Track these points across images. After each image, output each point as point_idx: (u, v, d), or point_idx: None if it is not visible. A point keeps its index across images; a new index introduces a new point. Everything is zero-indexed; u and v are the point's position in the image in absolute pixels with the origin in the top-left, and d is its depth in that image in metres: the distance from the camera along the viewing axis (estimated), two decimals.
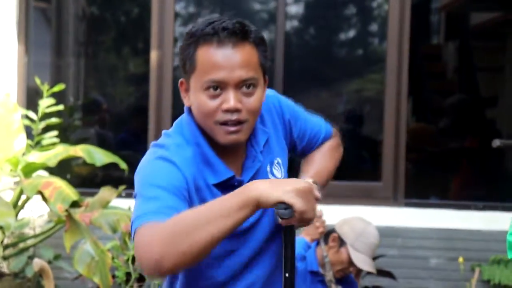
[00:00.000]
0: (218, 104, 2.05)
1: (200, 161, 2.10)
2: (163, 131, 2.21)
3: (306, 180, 2.19)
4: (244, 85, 2.06)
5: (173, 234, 1.83)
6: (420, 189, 6.37)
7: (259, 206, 1.89)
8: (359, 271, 4.33)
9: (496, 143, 3.73)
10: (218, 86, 2.04)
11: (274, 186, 1.90)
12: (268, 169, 2.21)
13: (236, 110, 2.05)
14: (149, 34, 6.00)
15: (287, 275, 2.03)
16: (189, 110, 2.16)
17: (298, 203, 1.89)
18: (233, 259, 2.17)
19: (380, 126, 6.00)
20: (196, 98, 2.08)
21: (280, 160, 2.26)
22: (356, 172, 6.43)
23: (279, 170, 2.25)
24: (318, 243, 4.21)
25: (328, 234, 4.19)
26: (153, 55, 5.91)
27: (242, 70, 2.04)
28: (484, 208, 5.92)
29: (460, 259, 5.60)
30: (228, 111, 2.05)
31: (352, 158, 6.51)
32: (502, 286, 5.72)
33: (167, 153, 2.06)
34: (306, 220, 1.96)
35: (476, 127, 6.72)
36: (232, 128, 2.07)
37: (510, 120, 6.70)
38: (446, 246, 5.78)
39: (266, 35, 6.76)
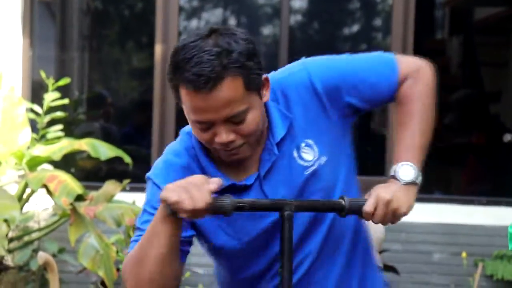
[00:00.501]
0: (211, 136, 2.02)
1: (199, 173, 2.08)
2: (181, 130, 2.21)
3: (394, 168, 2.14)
4: (233, 119, 2.00)
5: (130, 265, 2.05)
6: (424, 184, 6.35)
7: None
8: None
9: (508, 137, 3.72)
10: (205, 123, 2.01)
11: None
12: (296, 154, 2.14)
13: (230, 142, 2.02)
14: (153, 28, 6.01)
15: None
16: None
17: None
18: (268, 252, 2.17)
19: (385, 120, 6.00)
20: (190, 125, 2.07)
21: (311, 141, 2.15)
22: (360, 166, 6.43)
23: (310, 152, 2.14)
24: None
25: None
26: (158, 49, 5.92)
27: (227, 109, 1.97)
28: (487, 203, 5.93)
29: (463, 254, 5.61)
30: (221, 144, 2.02)
31: (356, 152, 6.51)
32: (505, 281, 5.73)
33: (154, 174, 2.13)
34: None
35: (480, 122, 6.73)
36: (230, 153, 2.06)
37: None
38: (450, 241, 5.79)
39: (269, 29, 6.77)
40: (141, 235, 2.05)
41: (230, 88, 1.95)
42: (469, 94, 6.69)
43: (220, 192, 2.00)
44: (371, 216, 2.04)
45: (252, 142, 2.06)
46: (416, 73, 2.20)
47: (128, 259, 2.04)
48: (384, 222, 2.06)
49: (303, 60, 2.21)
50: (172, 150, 2.16)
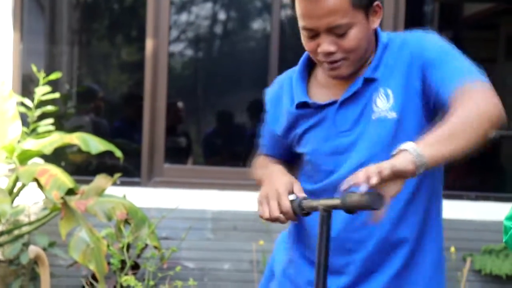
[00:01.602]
0: (315, 45, 2.18)
1: (288, 87, 2.35)
2: None
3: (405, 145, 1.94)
4: (335, 30, 2.15)
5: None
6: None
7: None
8: None
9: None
10: (311, 31, 2.16)
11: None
12: (374, 96, 2.22)
13: (330, 53, 2.17)
14: (143, 21, 6.00)
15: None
16: None
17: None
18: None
19: None
20: (301, 35, 2.22)
21: (390, 92, 2.20)
22: None
23: (383, 100, 2.21)
24: None
25: None
26: (149, 43, 5.91)
27: (329, 18, 2.12)
28: (476, 199, 5.96)
29: (452, 249, 5.64)
30: (323, 53, 2.17)
31: None
32: (493, 275, 5.77)
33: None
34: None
35: None
36: (331, 66, 2.21)
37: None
38: None
39: (260, 24, 6.77)
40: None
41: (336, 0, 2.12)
42: None
43: (298, 106, 2.29)
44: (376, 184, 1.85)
45: (353, 60, 2.20)
46: (483, 86, 2.12)
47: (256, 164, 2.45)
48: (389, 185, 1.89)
49: (417, 32, 2.29)
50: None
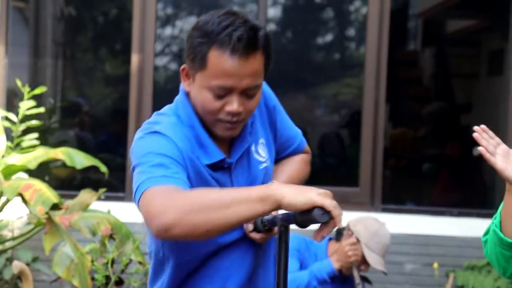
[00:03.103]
0: (222, 104, 2.14)
1: (194, 142, 2.20)
2: (155, 112, 2.28)
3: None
4: (249, 91, 2.14)
5: (191, 206, 1.91)
6: (397, 195, 6.43)
7: (278, 206, 1.91)
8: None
9: (477, 151, 3.73)
10: (225, 90, 2.13)
11: (299, 190, 1.91)
12: (253, 148, 2.30)
13: (237, 113, 2.15)
14: (128, 35, 6.00)
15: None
16: (185, 92, 2.25)
17: (332, 202, 1.87)
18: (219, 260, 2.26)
19: (358, 131, 6.04)
20: (200, 94, 2.16)
21: (263, 141, 2.34)
22: (334, 177, 6.48)
23: (263, 150, 2.33)
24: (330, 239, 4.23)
25: (340, 232, 4.22)
26: (134, 57, 5.91)
27: (250, 79, 2.12)
28: (459, 215, 5.99)
29: (435, 265, 5.66)
30: (230, 113, 2.14)
31: (330, 163, 6.55)
32: None
33: (161, 128, 2.16)
34: (340, 219, 1.91)
35: (451, 134, 6.79)
36: (230, 126, 2.18)
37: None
38: (422, 251, 5.84)
39: None
40: (167, 174, 2.02)
41: (258, 60, 2.12)
42: (441, 107, 6.76)
43: (213, 165, 2.19)
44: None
45: (246, 121, 2.23)
46: (309, 155, 2.57)
47: (180, 197, 1.94)
48: None
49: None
50: (168, 119, 2.20)
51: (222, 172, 2.23)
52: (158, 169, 2.03)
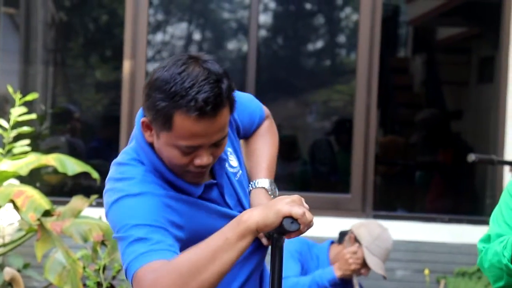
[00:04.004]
0: (190, 159, 2.07)
1: (169, 186, 2.13)
2: (115, 162, 2.19)
3: (262, 181, 2.33)
4: (217, 142, 2.09)
5: (181, 275, 1.89)
6: (388, 202, 6.44)
7: (259, 232, 1.96)
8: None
9: (472, 157, 3.75)
10: (194, 148, 2.06)
11: (268, 208, 1.98)
12: (227, 164, 2.26)
13: (208, 165, 2.10)
14: (119, 41, 5.99)
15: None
16: (143, 136, 2.14)
17: (299, 210, 1.95)
18: None
19: (349, 138, 6.05)
20: (166, 150, 2.07)
21: (231, 149, 2.30)
22: (325, 184, 6.49)
23: (234, 159, 2.30)
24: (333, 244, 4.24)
25: (343, 235, 4.23)
26: (126, 63, 5.90)
27: (219, 133, 2.06)
28: (450, 221, 6.00)
29: (426, 271, 5.67)
30: (199, 166, 2.08)
31: (321, 170, 6.56)
32: None
33: (132, 187, 2.07)
34: (310, 223, 1.99)
35: (442, 141, 6.81)
36: (199, 174, 2.12)
37: (474, 134, 6.80)
38: (413, 258, 5.85)
39: (236, 44, 6.80)
40: (151, 247, 1.97)
41: (225, 113, 2.06)
42: (432, 114, 6.78)
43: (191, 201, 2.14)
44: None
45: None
46: (271, 119, 2.55)
47: (169, 269, 1.92)
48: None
49: None
50: (133, 172, 2.12)
51: (211, 190, 2.21)
52: (138, 245, 1.97)
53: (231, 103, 2.08)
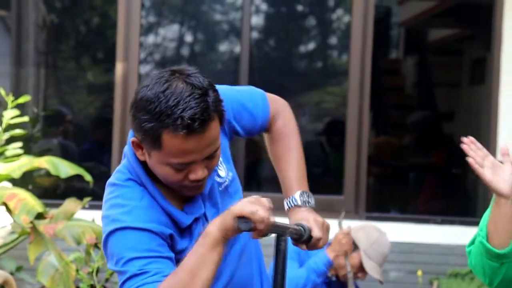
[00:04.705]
0: (184, 175, 2.05)
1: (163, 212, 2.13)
2: (116, 170, 2.18)
3: (293, 197, 2.27)
4: (211, 155, 2.06)
5: None
6: (381, 203, 6.45)
7: (227, 237, 1.98)
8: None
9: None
10: (186, 164, 2.04)
11: (225, 213, 1.99)
12: (215, 174, 2.22)
13: (203, 178, 2.08)
14: (111, 43, 5.99)
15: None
16: (134, 153, 2.13)
17: (249, 208, 1.94)
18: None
19: (342, 139, 6.06)
20: (159, 168, 2.06)
21: (221, 158, 2.24)
22: (318, 186, 6.48)
23: (223, 169, 2.25)
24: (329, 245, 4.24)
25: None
26: (119, 65, 5.90)
27: (210, 147, 2.03)
28: (442, 223, 6.01)
29: (419, 272, 5.68)
30: (195, 181, 2.06)
31: (314, 172, 6.56)
32: None
33: (129, 214, 2.07)
34: (264, 221, 1.96)
35: (434, 142, 6.83)
36: (197, 187, 2.11)
37: (466, 135, 6.81)
38: (406, 259, 5.85)
39: (229, 46, 6.80)
40: (146, 278, 2.00)
41: (215, 126, 2.02)
42: (425, 115, 6.80)
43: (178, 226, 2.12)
44: (319, 241, 2.15)
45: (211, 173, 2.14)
46: (284, 110, 2.41)
47: None
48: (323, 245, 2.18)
49: None
50: (129, 196, 2.11)
51: (197, 223, 2.18)
52: (134, 281, 2.00)
53: (220, 115, 2.04)
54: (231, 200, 2.21)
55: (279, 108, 2.40)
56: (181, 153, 2.00)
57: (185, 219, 2.13)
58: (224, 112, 2.06)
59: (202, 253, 1.96)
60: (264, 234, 2.00)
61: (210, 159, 2.06)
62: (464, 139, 2.29)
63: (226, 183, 2.25)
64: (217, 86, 2.16)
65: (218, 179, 2.22)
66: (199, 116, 1.96)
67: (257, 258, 2.38)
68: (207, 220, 2.16)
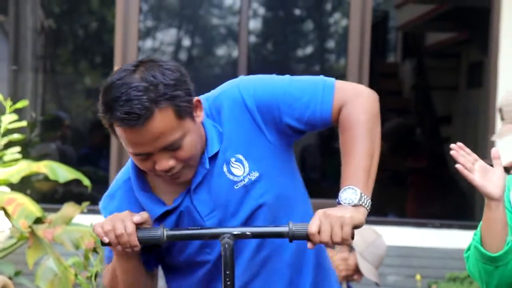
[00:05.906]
0: (151, 164, 2.06)
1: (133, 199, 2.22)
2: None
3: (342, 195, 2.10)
4: (169, 147, 2.04)
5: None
6: (379, 207, 6.45)
7: (120, 249, 2.11)
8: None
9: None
10: (144, 155, 2.05)
11: None
12: (225, 169, 2.15)
13: (172, 168, 2.06)
14: (109, 48, 5.99)
15: None
16: None
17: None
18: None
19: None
20: (130, 156, 2.12)
21: (241, 156, 2.15)
22: (315, 190, 6.49)
23: (239, 167, 2.15)
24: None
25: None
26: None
27: (161, 140, 2.01)
28: (440, 226, 6.02)
29: (418, 277, 5.68)
30: (162, 171, 2.06)
31: (311, 175, 6.57)
32: None
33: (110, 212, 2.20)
34: (117, 238, 2.07)
35: (432, 146, 6.83)
36: (173, 177, 2.10)
37: (464, 138, 6.83)
38: (404, 263, 5.86)
39: (227, 50, 6.81)
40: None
41: (161, 120, 1.99)
42: (421, 118, 6.81)
43: (160, 217, 2.15)
44: (318, 236, 2.02)
45: (193, 164, 2.10)
46: (355, 99, 2.17)
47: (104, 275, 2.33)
48: (334, 240, 2.03)
49: (239, 78, 2.23)
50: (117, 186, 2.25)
51: (174, 213, 2.18)
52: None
53: (172, 101, 2.00)
54: (253, 202, 2.15)
55: (346, 97, 2.17)
56: (132, 144, 2.02)
57: (156, 211, 2.15)
58: (184, 106, 2.02)
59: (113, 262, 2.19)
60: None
61: (174, 151, 2.03)
62: (453, 145, 2.28)
63: (244, 182, 2.14)
64: (269, 77, 2.18)
65: (231, 177, 2.14)
66: (135, 110, 1.96)
67: (293, 270, 2.24)
68: (192, 215, 2.15)
